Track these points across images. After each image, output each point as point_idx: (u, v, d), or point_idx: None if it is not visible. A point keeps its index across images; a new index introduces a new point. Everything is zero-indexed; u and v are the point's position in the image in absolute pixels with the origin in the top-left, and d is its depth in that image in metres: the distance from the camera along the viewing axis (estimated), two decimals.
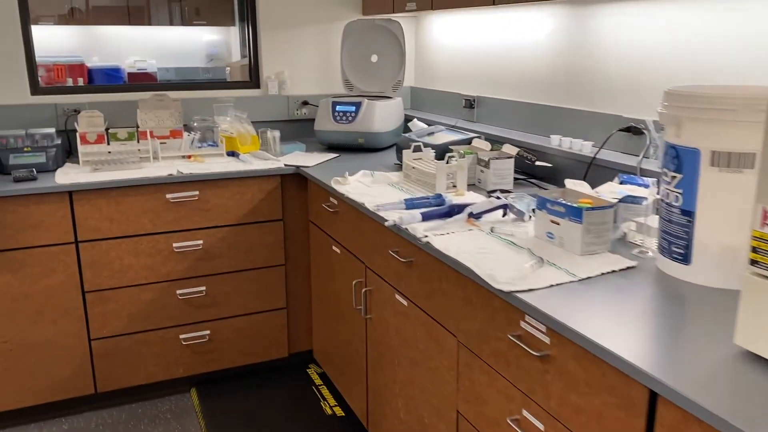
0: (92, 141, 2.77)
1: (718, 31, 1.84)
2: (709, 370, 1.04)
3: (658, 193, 1.56)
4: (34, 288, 2.45)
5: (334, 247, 2.50)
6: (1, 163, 2.55)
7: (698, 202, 1.38)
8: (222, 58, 5.77)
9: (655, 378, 1.03)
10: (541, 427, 1.37)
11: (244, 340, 2.83)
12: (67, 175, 2.51)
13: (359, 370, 2.38)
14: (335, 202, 2.44)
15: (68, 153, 2.94)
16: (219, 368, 2.82)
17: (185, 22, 5.75)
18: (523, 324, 1.39)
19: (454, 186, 2.23)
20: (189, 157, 2.82)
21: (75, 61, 5.03)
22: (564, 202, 1.65)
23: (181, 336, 2.71)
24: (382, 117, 3.00)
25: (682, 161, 1.39)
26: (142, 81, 5.30)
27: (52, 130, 2.71)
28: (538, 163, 2.31)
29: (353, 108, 3.01)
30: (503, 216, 1.89)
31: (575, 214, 1.57)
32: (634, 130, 2.14)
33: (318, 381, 2.89)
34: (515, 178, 2.37)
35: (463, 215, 1.83)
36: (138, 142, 2.86)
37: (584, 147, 2.26)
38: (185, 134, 2.89)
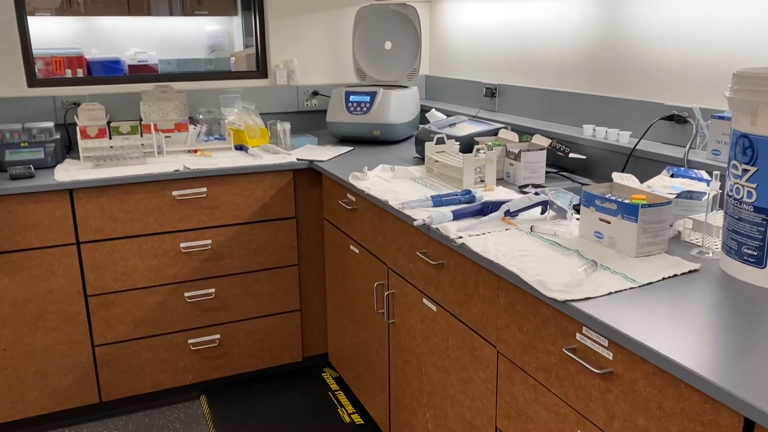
0: (93, 135, 2.62)
1: None
2: None
3: (721, 188, 1.41)
4: (33, 292, 2.30)
5: (352, 247, 2.35)
6: None
7: None
8: (224, 49, 5.61)
9: (752, 405, 0.88)
10: None
11: (256, 344, 2.68)
12: (66, 172, 2.35)
13: (380, 376, 2.23)
14: (353, 198, 2.28)
15: (68, 148, 2.79)
16: (230, 374, 2.67)
17: (186, 12, 5.59)
18: (579, 337, 1.24)
19: (482, 181, 2.08)
20: (195, 151, 2.67)
21: (74, 53, 4.86)
22: (614, 198, 1.49)
23: (190, 341, 2.57)
24: (399, 107, 2.85)
25: (757, 152, 1.24)
26: (143, 72, 5.15)
27: (51, 124, 2.56)
28: (571, 155, 2.16)
29: (368, 98, 2.85)
30: (542, 214, 1.74)
31: (629, 211, 1.42)
32: (677, 118, 1.98)
33: (334, 386, 2.74)
34: (546, 172, 2.21)
35: (499, 213, 1.68)
36: (141, 136, 2.71)
37: (621, 137, 2.10)
38: (191, 127, 2.73)
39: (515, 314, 1.43)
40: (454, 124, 2.53)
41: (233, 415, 2.55)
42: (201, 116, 2.90)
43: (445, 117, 2.83)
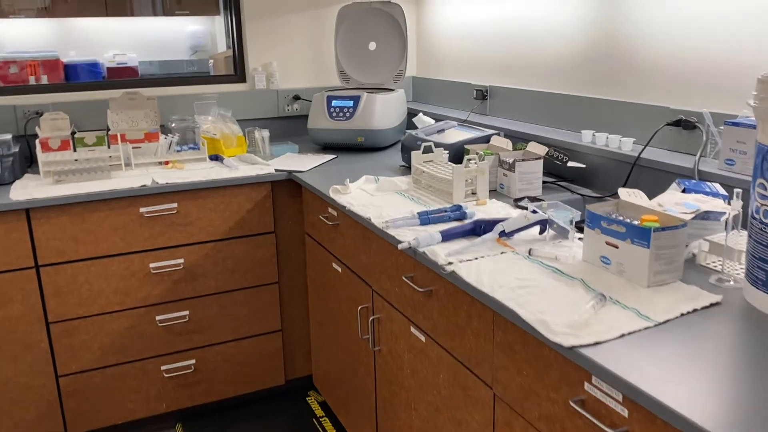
0: (55, 148, 2.43)
1: None
2: None
3: (742, 206, 1.25)
4: None
5: (334, 265, 2.18)
6: None
7: None
8: (206, 50, 5.41)
9: None
10: None
11: (235, 368, 2.50)
12: (24, 189, 2.17)
13: (367, 407, 2.06)
14: (334, 213, 2.11)
15: (29, 162, 2.60)
16: (207, 401, 2.50)
17: (166, 12, 5.38)
18: (588, 387, 1.07)
19: (474, 193, 1.91)
20: (167, 163, 2.49)
21: (49, 56, 4.65)
22: (623, 219, 1.33)
23: (163, 367, 2.39)
24: (384, 112, 2.67)
25: None
26: (123, 75, 4.94)
27: (9, 137, 2.36)
28: (570, 163, 1.99)
29: (351, 103, 2.67)
30: (540, 234, 1.57)
31: (640, 235, 1.25)
32: (684, 124, 1.82)
33: (319, 412, 2.57)
34: (543, 181, 2.05)
35: (493, 234, 1.51)
36: (108, 147, 2.53)
37: (623, 144, 1.94)
38: (162, 137, 2.55)
39: (513, 354, 1.27)
40: (443, 130, 2.36)
41: None
42: (173, 125, 2.72)
43: (433, 122, 2.67)
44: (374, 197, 1.99)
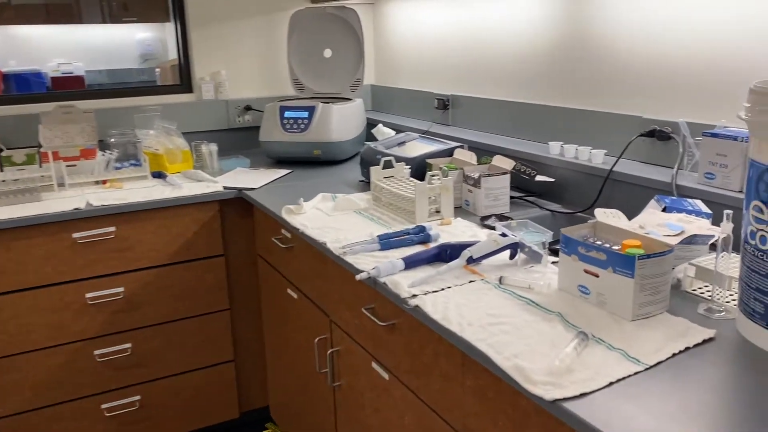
0: None
1: None
2: None
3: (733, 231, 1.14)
4: None
5: (289, 291, 2.01)
6: None
7: None
8: (157, 57, 5.18)
9: None
10: None
11: (185, 402, 2.31)
12: None
13: None
14: (288, 235, 1.95)
15: None
16: None
17: (113, 19, 5.14)
18: None
19: (438, 212, 1.77)
20: (104, 182, 2.29)
21: None
22: (602, 245, 1.20)
23: (104, 405, 2.19)
24: (341, 123, 2.52)
25: None
26: (69, 85, 4.69)
27: None
28: (538, 178, 1.87)
29: (306, 114, 2.51)
30: (511, 258, 1.44)
31: (623, 263, 1.13)
32: (659, 134, 1.71)
33: None
34: (510, 197, 1.92)
35: (460, 261, 1.37)
36: (40, 166, 2.32)
37: (594, 156, 1.83)
38: (100, 154, 2.35)
39: (487, 402, 1.12)
40: (404, 142, 2.22)
41: None
42: (113, 140, 2.52)
43: (393, 133, 2.53)
44: (331, 217, 1.84)
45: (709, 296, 1.23)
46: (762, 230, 1.01)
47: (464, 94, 2.47)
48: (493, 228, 1.66)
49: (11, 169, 2.24)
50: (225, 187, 2.22)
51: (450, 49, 2.52)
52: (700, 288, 1.26)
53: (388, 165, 1.95)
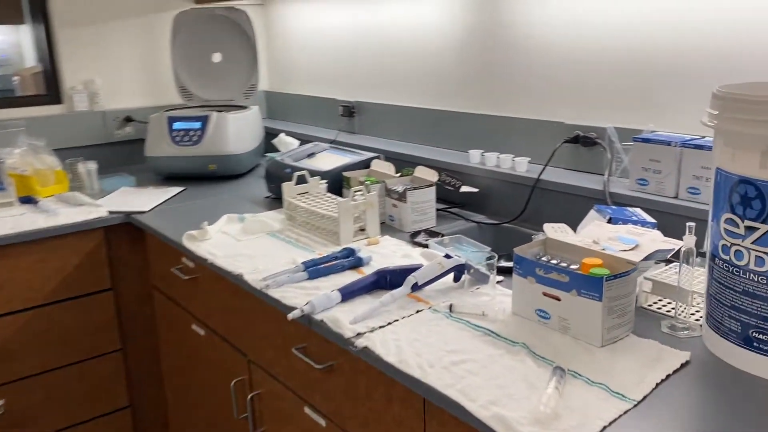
0: None
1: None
2: None
3: (701, 246, 1.08)
4: None
5: (195, 327, 1.79)
6: None
7: None
8: (11, 64, 4.62)
9: None
10: None
11: None
12: None
13: None
14: (191, 264, 1.72)
15: None
16: None
17: None
18: None
19: (362, 230, 1.63)
20: None
21: None
22: (562, 264, 1.11)
23: None
24: (238, 134, 2.31)
25: None
26: None
27: None
28: (463, 188, 1.77)
29: (198, 124, 2.28)
30: (456, 281, 1.32)
31: (590, 286, 1.04)
32: (583, 140, 1.67)
33: None
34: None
35: (405, 289, 1.23)
36: None
37: (518, 164, 1.76)
38: None
39: None
40: (313, 153, 2.06)
41: None
42: None
43: (297, 143, 2.35)
44: (241, 243, 1.64)
45: (668, 311, 1.17)
46: (737, 245, 0.95)
47: (371, 100, 2.34)
48: (425, 246, 1.54)
49: None
50: (110, 212, 1.94)
51: (354, 53, 2.38)
52: (656, 302, 1.21)
53: (302, 180, 1.78)
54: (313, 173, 1.84)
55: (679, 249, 1.10)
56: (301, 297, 1.28)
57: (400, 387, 1.08)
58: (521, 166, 1.75)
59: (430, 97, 2.11)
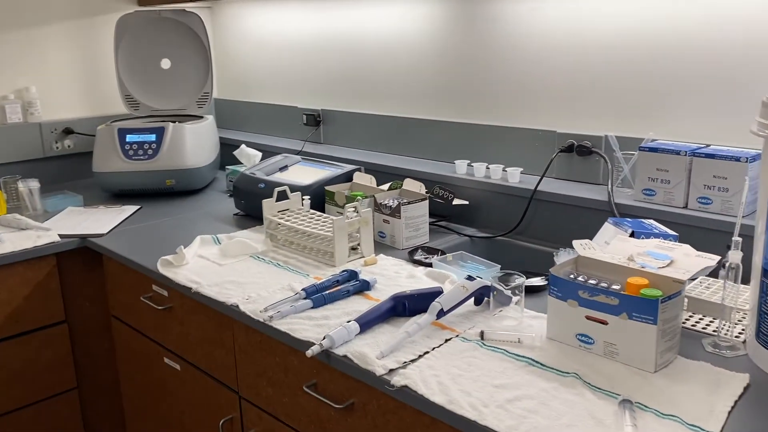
0: None
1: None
2: None
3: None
4: None
5: (167, 360, 1.62)
6: None
7: None
8: None
9: None
10: None
11: None
12: None
13: None
14: (164, 293, 1.55)
15: None
16: None
17: None
18: None
19: (355, 249, 1.51)
20: None
21: None
22: (614, 288, 1.05)
23: None
24: (197, 145, 2.14)
25: None
26: None
27: None
28: (455, 201, 1.69)
29: (153, 136, 2.09)
30: (477, 305, 1.23)
31: (643, 308, 0.98)
32: (578, 149, 1.62)
33: None
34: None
35: (430, 317, 1.13)
36: None
37: (510, 175, 1.69)
38: None
39: None
40: (286, 166, 1.93)
41: None
42: None
43: (259, 155, 2.20)
44: (223, 267, 1.49)
45: (703, 329, 1.13)
46: None
47: (339, 108, 2.22)
48: (429, 265, 1.44)
49: None
50: (62, 236, 1.74)
51: (318, 59, 2.26)
52: (689, 319, 1.16)
53: (283, 196, 1.64)
54: (294, 189, 1.71)
55: (721, 264, 1.05)
56: (310, 329, 1.16)
57: (442, 426, 0.97)
58: (513, 176, 1.69)
59: (406, 105, 2.02)
